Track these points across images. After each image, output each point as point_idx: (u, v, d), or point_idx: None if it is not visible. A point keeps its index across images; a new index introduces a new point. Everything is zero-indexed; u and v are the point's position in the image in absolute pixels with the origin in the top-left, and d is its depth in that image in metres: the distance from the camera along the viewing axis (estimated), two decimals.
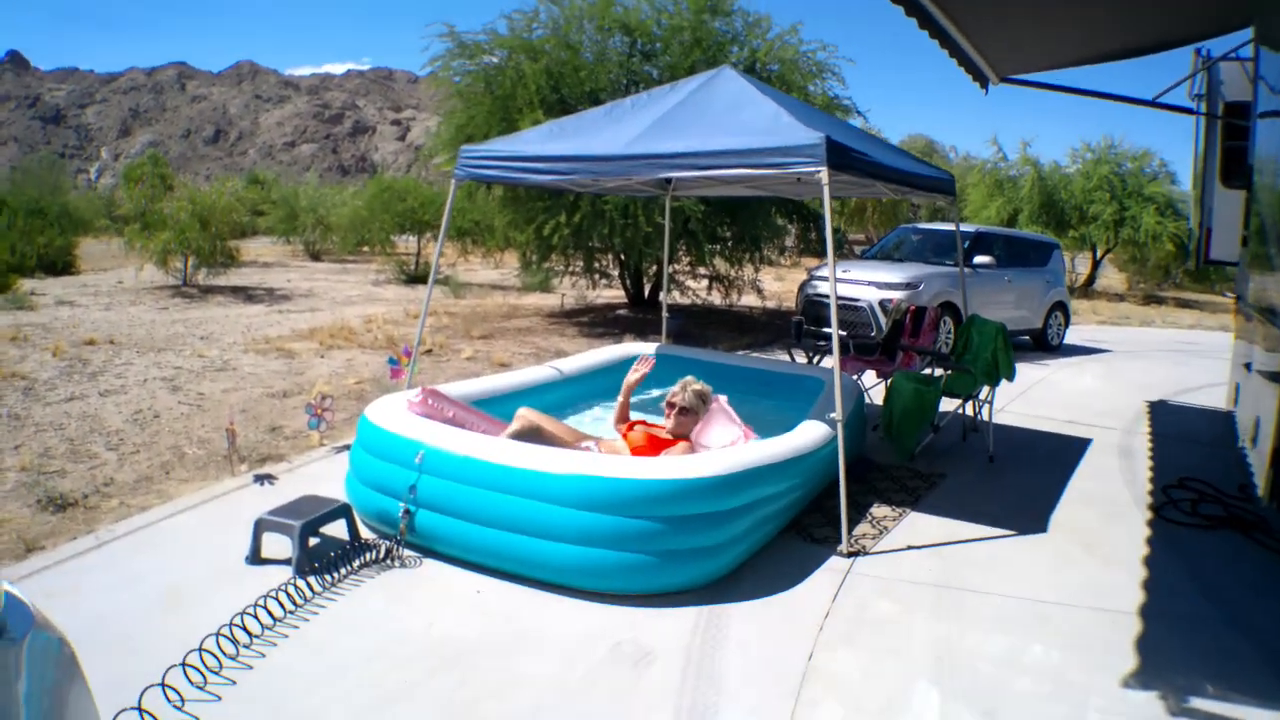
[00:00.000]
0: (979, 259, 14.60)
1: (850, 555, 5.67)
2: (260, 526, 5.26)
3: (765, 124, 6.22)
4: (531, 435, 5.90)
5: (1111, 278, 38.35)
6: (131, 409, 8.80)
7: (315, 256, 33.22)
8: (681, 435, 6.39)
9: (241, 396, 9.48)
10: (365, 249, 30.68)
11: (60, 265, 24.07)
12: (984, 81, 8.32)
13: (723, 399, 6.65)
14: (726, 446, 6.18)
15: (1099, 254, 33.92)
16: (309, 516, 5.22)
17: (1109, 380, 13.14)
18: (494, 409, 6.73)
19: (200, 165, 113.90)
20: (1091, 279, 34.31)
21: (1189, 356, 16.30)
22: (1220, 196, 9.78)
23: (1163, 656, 4.54)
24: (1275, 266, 5.62)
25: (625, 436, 6.46)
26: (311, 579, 4.96)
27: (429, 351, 12.61)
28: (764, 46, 16.41)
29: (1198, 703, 4.13)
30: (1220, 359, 15.33)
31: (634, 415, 6.88)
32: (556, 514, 4.93)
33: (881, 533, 6.14)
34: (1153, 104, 9.18)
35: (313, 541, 5.40)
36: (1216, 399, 11.60)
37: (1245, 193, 7.16)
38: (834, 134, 5.94)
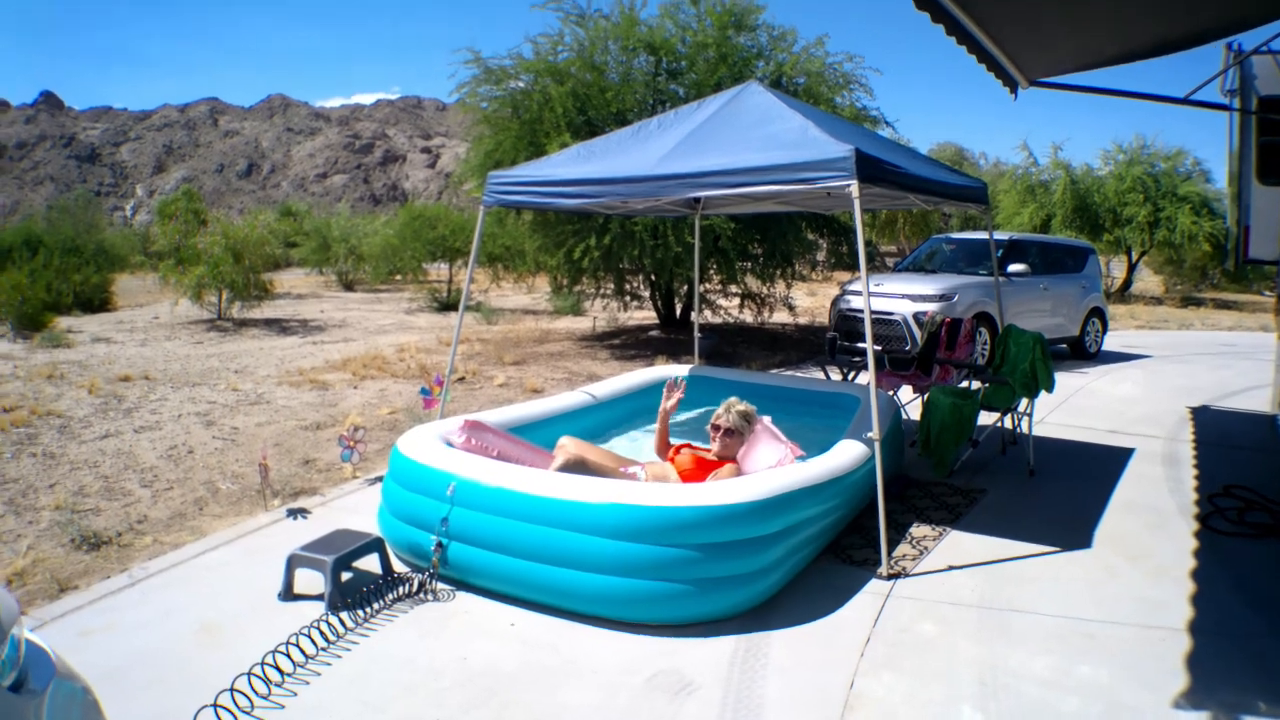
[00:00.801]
0: (1013, 267, 14.45)
1: (890, 577, 5.57)
2: (293, 562, 5.23)
3: (793, 138, 6.15)
4: (576, 467, 5.82)
5: (1148, 281, 38.00)
6: (166, 445, 8.82)
7: (348, 286, 33.39)
8: (728, 457, 6.33)
9: (275, 430, 9.49)
10: (398, 278, 30.80)
11: (97, 302, 24.29)
12: (1013, 86, 8.19)
13: (767, 419, 6.58)
14: (773, 467, 6.11)
15: (1134, 257, 33.56)
16: (341, 551, 5.18)
17: (1149, 386, 12.95)
18: (528, 436, 6.67)
19: (234, 199, 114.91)
20: (1128, 283, 33.97)
21: (1230, 359, 16.10)
22: (1258, 193, 9.61)
23: (1213, 674, 4.42)
24: None
25: (672, 460, 6.41)
26: (344, 614, 4.92)
27: (462, 379, 12.61)
28: (790, 60, 16.37)
29: None
30: (1262, 360, 15.19)
31: (678, 440, 6.81)
32: (590, 544, 4.87)
33: (922, 553, 6.02)
34: (1185, 101, 9.00)
35: (346, 576, 5.37)
36: (1260, 403, 11.42)
37: None
38: (863, 145, 5.87)
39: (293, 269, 38.97)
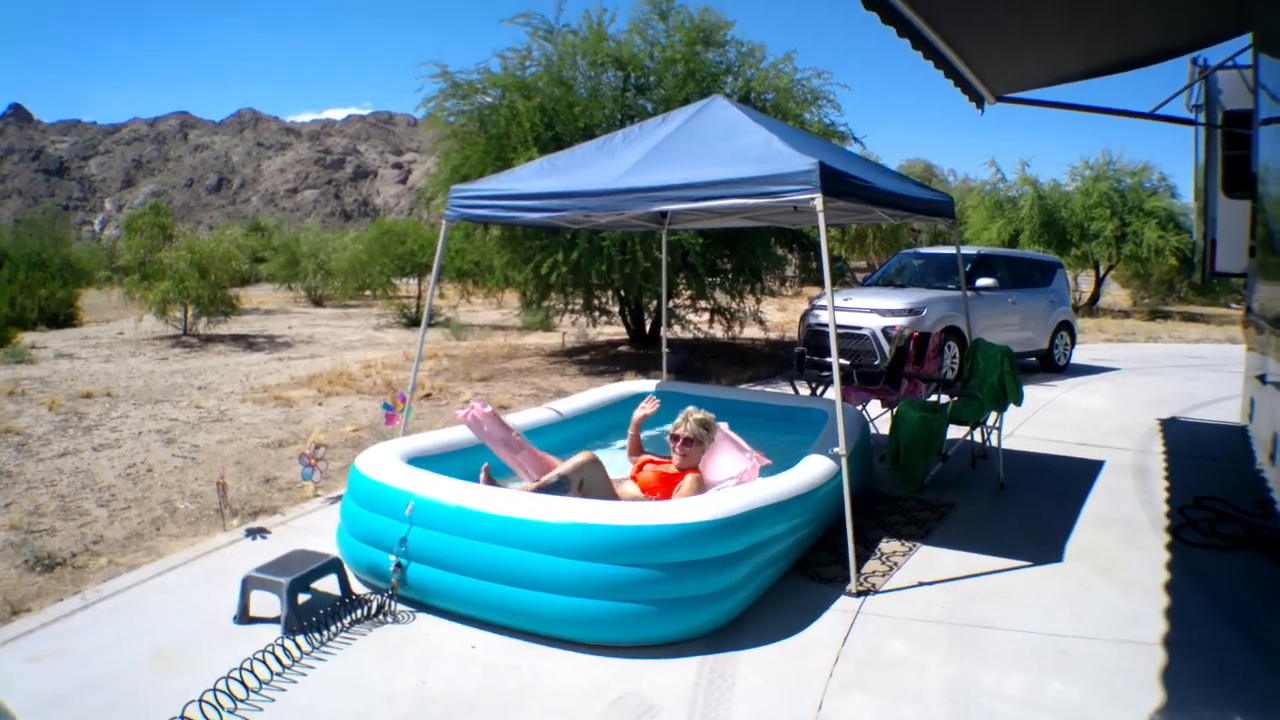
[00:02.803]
0: (982, 281, 14.47)
1: (859, 594, 5.48)
2: (248, 584, 5.10)
3: (758, 152, 6.10)
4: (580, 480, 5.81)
5: (1115, 294, 38.29)
6: (125, 463, 8.65)
7: (317, 302, 33.19)
8: (689, 468, 6.29)
9: (236, 448, 9.33)
10: (367, 293, 30.62)
11: (62, 317, 24.05)
12: (979, 101, 8.20)
13: (724, 426, 6.51)
14: (735, 478, 6.09)
15: (1102, 271, 33.82)
16: (297, 573, 5.04)
17: (1119, 399, 12.98)
18: (483, 456, 6.52)
19: (204, 214, 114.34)
20: (1095, 297, 34.24)
21: (1198, 370, 16.21)
22: (1224, 207, 9.64)
23: (1187, 689, 4.35)
24: None
25: (635, 479, 6.34)
26: (300, 638, 4.78)
27: (428, 395, 12.48)
28: (758, 76, 16.37)
29: None
30: (1230, 372, 15.26)
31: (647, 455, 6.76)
32: (551, 564, 4.75)
33: (891, 569, 5.95)
34: (1151, 116, 9.04)
35: (303, 598, 5.24)
36: (1229, 414, 11.47)
37: (1250, 202, 7.01)
38: (828, 159, 5.82)
39: (261, 284, 38.71)
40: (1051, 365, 15.97)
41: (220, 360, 16.69)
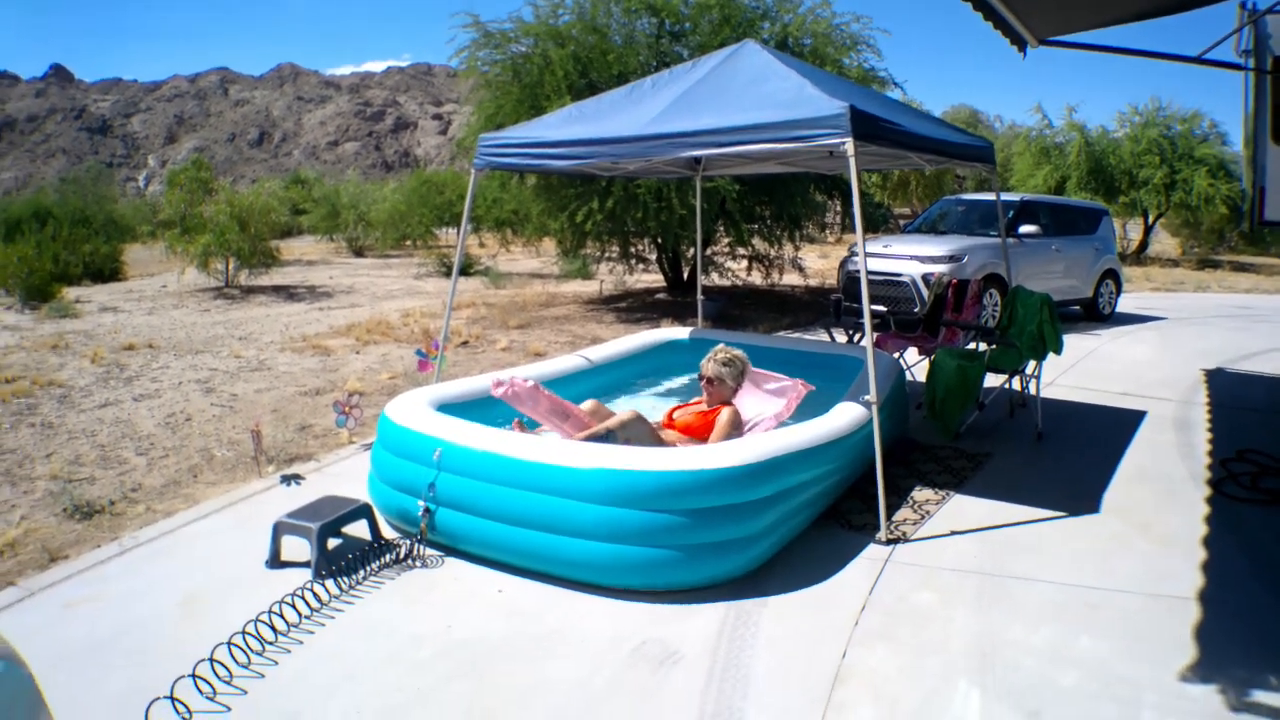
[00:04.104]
0: (1025, 229, 14.24)
1: (889, 543, 5.43)
2: (279, 529, 5.14)
3: (789, 97, 5.98)
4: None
5: (1164, 243, 37.62)
6: (164, 413, 8.74)
7: (358, 253, 33.29)
8: (721, 403, 6.36)
9: (274, 396, 9.40)
10: (407, 243, 30.67)
11: (107, 272, 24.28)
12: (1022, 45, 8.01)
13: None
14: (775, 415, 6.23)
15: (1150, 219, 33.23)
16: (328, 518, 5.08)
17: (1164, 349, 12.76)
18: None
19: (246, 168, 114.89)
20: (1144, 245, 33.65)
21: (1247, 321, 15.89)
22: (1273, 155, 9.40)
23: (1222, 647, 4.27)
24: None
25: (670, 425, 6.40)
26: (330, 582, 4.82)
27: (465, 343, 12.50)
28: (795, 21, 16.06)
29: (1260, 696, 3.86)
30: (1277, 322, 14.95)
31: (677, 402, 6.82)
32: (577, 509, 4.76)
33: (923, 518, 5.89)
34: (1198, 61, 8.80)
35: (333, 543, 5.28)
36: (1274, 366, 11.25)
37: None
38: (860, 103, 5.69)
39: (303, 236, 38.87)
40: (1096, 314, 15.74)
41: (261, 311, 16.80)
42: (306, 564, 5.03)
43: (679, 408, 6.59)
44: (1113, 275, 16.08)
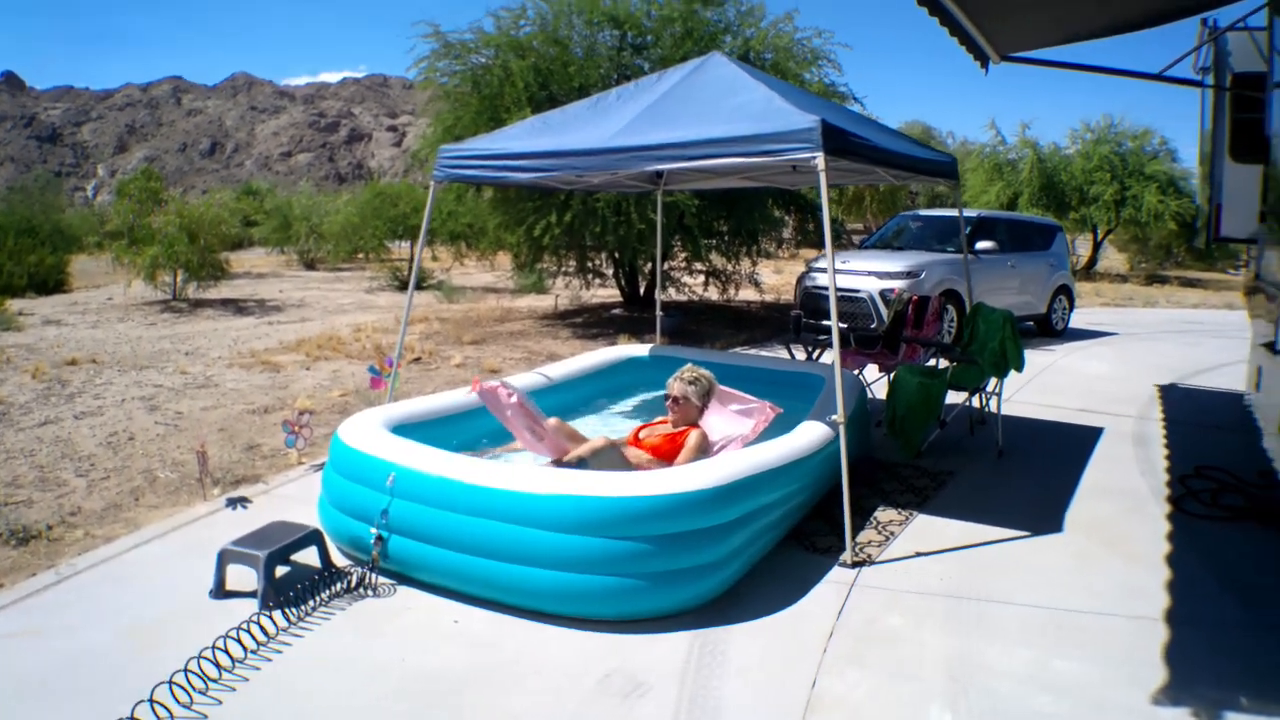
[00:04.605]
0: (981, 244, 14.28)
1: (855, 565, 5.32)
2: (224, 558, 4.92)
3: (757, 109, 5.89)
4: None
5: (1113, 259, 38.13)
6: (106, 432, 8.47)
7: (310, 266, 32.88)
8: (688, 425, 6.27)
9: (221, 414, 9.15)
10: (360, 256, 30.30)
11: (52, 284, 23.79)
12: (984, 60, 7.98)
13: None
14: (742, 435, 6.12)
15: (1100, 235, 33.64)
16: (275, 545, 4.87)
17: (1118, 364, 12.84)
18: (474, 424, 6.37)
19: (197, 178, 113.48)
20: (1093, 261, 34.07)
21: (1197, 336, 16.09)
22: (1230, 171, 9.46)
23: (1193, 666, 4.22)
24: None
25: (636, 443, 6.27)
26: (278, 613, 4.61)
27: (418, 359, 12.29)
28: (758, 35, 16.04)
29: (1232, 718, 3.81)
30: (1228, 337, 15.21)
31: (640, 421, 6.67)
32: (535, 537, 4.58)
33: (888, 539, 5.79)
34: (1159, 78, 8.84)
35: (282, 571, 5.07)
36: (1228, 380, 11.37)
37: (1262, 167, 6.81)
38: (830, 117, 5.61)
39: (255, 249, 38.40)
40: (1050, 329, 15.82)
41: (209, 325, 16.48)
42: (253, 594, 4.82)
43: (644, 427, 6.46)
44: (1066, 291, 16.18)
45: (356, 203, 29.48)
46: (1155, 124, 51.22)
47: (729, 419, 6.56)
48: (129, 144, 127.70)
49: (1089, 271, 32.56)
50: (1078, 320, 17.19)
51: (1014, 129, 52.16)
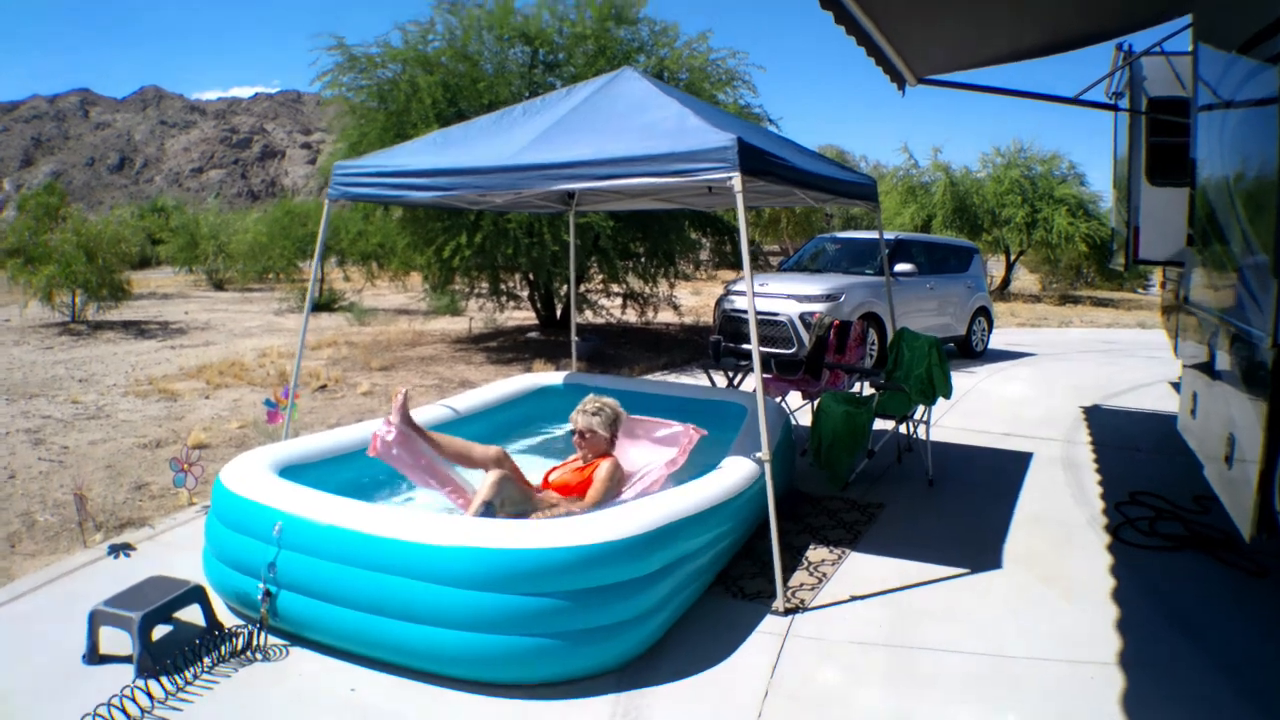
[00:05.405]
0: (900, 266, 14.16)
1: (788, 613, 4.98)
2: (96, 619, 4.41)
3: (671, 127, 5.55)
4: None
5: (1024, 280, 38.72)
6: None
7: (219, 286, 31.96)
8: (599, 456, 5.91)
9: (109, 449, 8.56)
10: (270, 277, 29.53)
11: None
12: (901, 83, 7.86)
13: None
14: (667, 462, 5.76)
15: (1012, 257, 34.14)
16: (151, 606, 4.37)
17: (1039, 385, 12.80)
18: (374, 462, 5.85)
19: (106, 194, 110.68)
20: (1006, 281, 34.56)
21: (1113, 356, 16.26)
22: (1147, 194, 9.45)
23: (1148, 714, 3.97)
24: (1237, 263, 5.06)
25: (547, 486, 5.88)
26: (154, 682, 4.14)
27: (324, 387, 11.76)
28: (671, 55, 15.81)
29: None
30: (1143, 357, 15.51)
31: (552, 456, 6.29)
32: (436, 594, 4.14)
33: (820, 580, 5.47)
34: (1075, 101, 8.79)
35: (163, 630, 4.59)
36: (1150, 401, 11.47)
37: (1188, 190, 6.70)
38: (747, 137, 5.29)
39: (163, 268, 37.29)
40: (970, 351, 15.77)
41: (108, 349, 15.73)
42: (129, 658, 4.34)
43: (555, 469, 6.05)
44: (984, 312, 16.18)
45: (266, 221, 28.76)
46: (1063, 148, 52.30)
47: (650, 448, 6.22)
48: (35, 157, 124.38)
49: (1003, 292, 33.02)
50: (995, 341, 17.23)
51: (926, 153, 52.74)
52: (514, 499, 5.39)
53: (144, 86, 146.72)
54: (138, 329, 18.65)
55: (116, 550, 5.91)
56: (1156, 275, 18.02)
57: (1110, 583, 5.54)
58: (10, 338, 16.92)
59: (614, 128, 5.79)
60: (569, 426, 6.03)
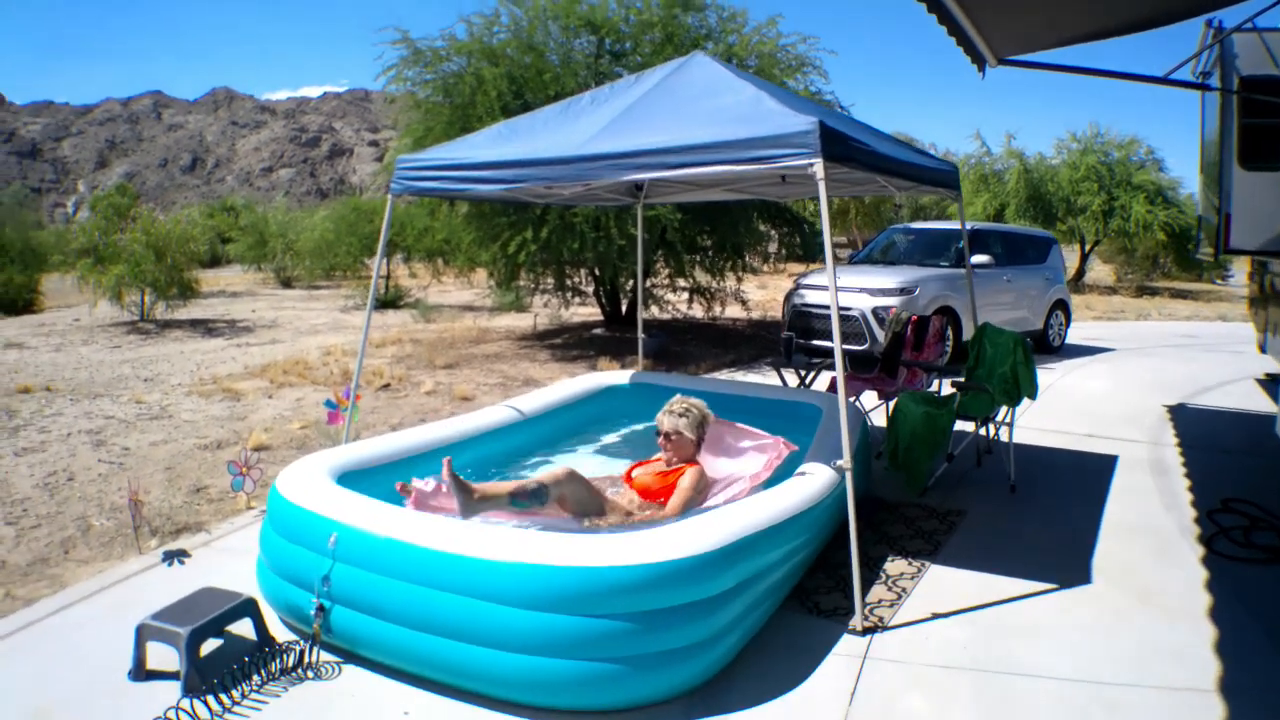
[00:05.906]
0: (977, 258, 13.70)
1: (866, 632, 4.68)
2: (143, 634, 4.24)
3: (746, 112, 5.25)
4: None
5: (1099, 270, 37.76)
6: (45, 470, 7.80)
7: (286, 283, 32.19)
8: (684, 461, 5.66)
9: (170, 450, 8.48)
10: (337, 274, 29.65)
11: (21, 303, 23.11)
12: (981, 64, 7.49)
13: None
14: (753, 474, 5.52)
15: (1087, 246, 33.27)
16: (201, 620, 4.20)
17: (1120, 382, 12.30)
18: (433, 465, 5.61)
19: (178, 194, 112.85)
20: (1081, 272, 33.69)
21: (1195, 351, 15.71)
22: (1239, 179, 8.99)
23: None
24: None
25: (629, 484, 5.68)
26: (200, 703, 3.96)
27: (387, 386, 11.64)
28: (740, 41, 15.47)
29: None
30: (1227, 352, 15.01)
31: (632, 461, 6.09)
32: (496, 613, 3.90)
33: (900, 596, 5.17)
34: (1163, 81, 8.34)
35: (213, 645, 4.42)
36: (1237, 400, 11.03)
37: None
38: (828, 121, 4.99)
39: (231, 266, 37.69)
40: (1046, 346, 15.27)
41: (175, 348, 15.79)
42: (177, 674, 4.17)
43: (639, 465, 5.82)
44: (1062, 305, 15.67)
45: (333, 218, 28.86)
46: (1141, 133, 50.97)
47: (736, 456, 5.96)
48: (109, 159, 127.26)
49: (1077, 283, 32.20)
50: (1072, 335, 16.67)
51: (999, 139, 51.89)
52: (580, 499, 5.18)
53: (215, 88, 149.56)
54: (205, 327, 18.74)
55: (171, 557, 5.78)
56: (1239, 266, 17.41)
57: (1206, 599, 5.18)
58: (79, 337, 17.08)
59: (686, 114, 5.51)
60: (644, 424, 5.78)
